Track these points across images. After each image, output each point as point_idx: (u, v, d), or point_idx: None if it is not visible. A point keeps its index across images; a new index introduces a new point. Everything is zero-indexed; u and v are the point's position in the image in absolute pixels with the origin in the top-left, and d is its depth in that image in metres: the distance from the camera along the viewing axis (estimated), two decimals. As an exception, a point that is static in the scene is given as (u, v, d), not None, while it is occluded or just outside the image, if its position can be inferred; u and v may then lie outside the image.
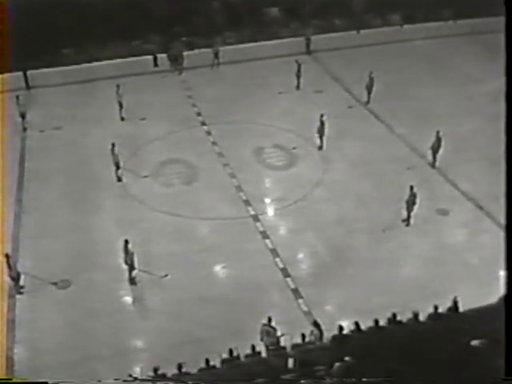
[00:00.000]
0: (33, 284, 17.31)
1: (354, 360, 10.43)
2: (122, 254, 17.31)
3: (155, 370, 12.80)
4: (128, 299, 17.23)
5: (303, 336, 13.88)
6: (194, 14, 32.37)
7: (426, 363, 9.16)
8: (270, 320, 14.45)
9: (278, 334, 14.26)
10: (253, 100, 28.23)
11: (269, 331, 14.27)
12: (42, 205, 21.00)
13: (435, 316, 13.68)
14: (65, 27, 28.18)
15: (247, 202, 20.86)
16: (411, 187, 18.93)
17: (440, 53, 32.35)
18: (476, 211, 20.01)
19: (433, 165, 22.33)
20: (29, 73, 29.82)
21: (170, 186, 22.11)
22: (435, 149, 21.97)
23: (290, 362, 11.72)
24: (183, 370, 12.80)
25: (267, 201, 21.38)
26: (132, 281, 17.43)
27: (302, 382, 10.50)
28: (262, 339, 14.28)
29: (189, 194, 21.58)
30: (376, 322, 13.50)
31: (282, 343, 14.14)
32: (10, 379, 13.73)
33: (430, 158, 22.42)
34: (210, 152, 24.11)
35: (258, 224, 19.82)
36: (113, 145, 21.93)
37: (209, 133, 25.56)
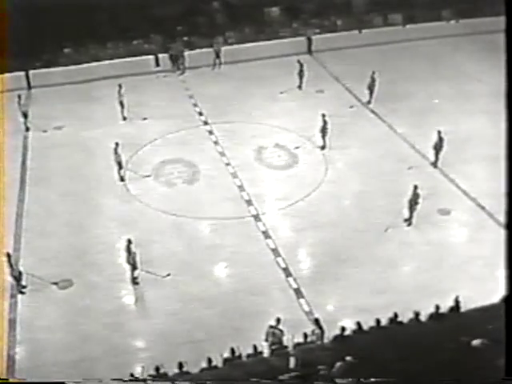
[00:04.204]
0: (34, 284, 17.31)
1: (356, 360, 10.43)
2: (123, 254, 17.33)
3: (157, 369, 12.83)
4: (130, 299, 17.25)
5: (305, 335, 13.90)
6: (195, 14, 32.41)
7: (427, 363, 9.17)
8: (278, 321, 14.44)
9: (285, 336, 14.25)
10: (254, 100, 28.24)
11: (275, 333, 14.27)
12: (43, 204, 21.01)
13: (436, 316, 13.68)
14: (66, 27, 28.19)
15: (249, 202, 20.87)
16: (415, 187, 18.93)
17: (441, 52, 32.31)
18: (477, 210, 20.00)
19: (435, 164, 22.32)
20: (30, 72, 29.90)
21: (172, 186, 22.13)
22: (438, 148, 21.96)
23: (292, 361, 11.73)
24: (184, 369, 12.82)
25: (269, 200, 21.37)
26: (134, 280, 17.45)
27: (303, 382, 10.51)
28: (266, 340, 14.26)
29: (191, 193, 21.59)
30: (378, 321, 13.52)
31: (285, 343, 14.15)
32: (7, 380, 13.75)
33: (431, 157, 22.42)
34: (212, 151, 24.13)
35: (259, 224, 19.83)
36: (116, 144, 21.98)
37: (211, 132, 25.58)
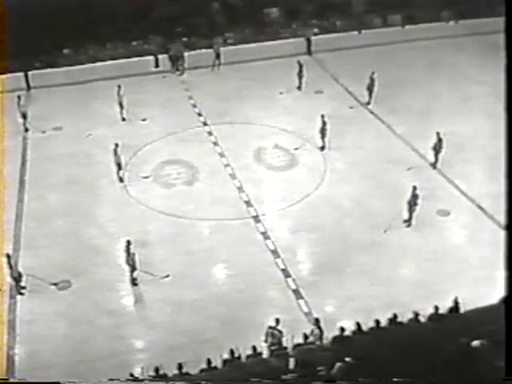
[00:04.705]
0: (33, 284, 17.29)
1: (355, 361, 10.42)
2: (123, 255, 17.33)
3: (156, 369, 12.83)
4: (129, 300, 17.24)
5: (305, 336, 13.90)
6: (195, 15, 32.41)
7: (427, 364, 9.16)
8: (277, 322, 14.44)
9: (284, 336, 14.25)
10: (254, 100, 28.25)
11: (274, 334, 14.26)
12: (42, 205, 21.01)
13: (436, 316, 13.68)
14: (65, 27, 28.18)
15: (248, 203, 20.87)
16: (414, 188, 18.93)
17: (441, 53, 32.31)
18: (477, 211, 19.99)
19: (434, 165, 22.31)
20: (29, 73, 29.91)
21: (171, 187, 22.12)
22: (437, 149, 21.96)
23: (291, 362, 11.73)
24: (184, 370, 12.82)
25: (268, 202, 21.35)
26: (133, 281, 17.45)
27: (303, 382, 10.51)
28: (266, 341, 14.27)
29: (190, 194, 21.59)
30: (377, 322, 13.52)
31: (284, 344, 14.15)
32: (7, 379, 13.76)
33: (430, 158, 22.42)
34: (211, 152, 24.12)
35: (258, 225, 19.82)
36: (116, 145, 21.99)
37: (210, 133, 25.58)
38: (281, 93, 28.84)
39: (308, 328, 14.53)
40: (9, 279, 17.13)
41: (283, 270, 17.80)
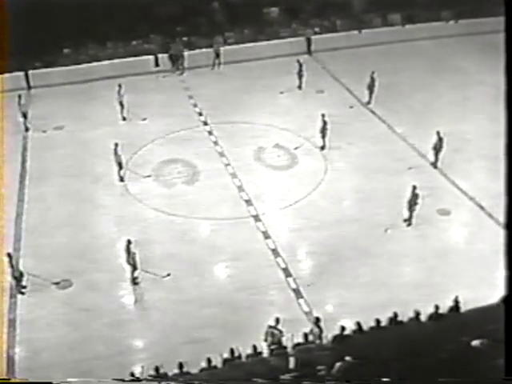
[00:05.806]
0: (34, 284, 17.31)
1: (355, 360, 10.43)
2: (123, 254, 17.33)
3: (156, 369, 12.84)
4: (130, 299, 17.25)
5: (305, 336, 13.90)
6: (195, 14, 32.42)
7: (427, 363, 9.17)
8: (277, 321, 14.45)
9: (283, 336, 14.26)
10: (254, 100, 28.23)
11: (274, 333, 14.27)
12: (43, 205, 21.01)
13: (436, 316, 13.69)
14: (65, 27, 28.21)
15: (248, 202, 20.87)
16: (414, 187, 18.93)
17: (441, 53, 32.33)
18: (477, 210, 20.00)
19: (435, 165, 22.32)
20: (30, 73, 29.92)
21: (172, 186, 22.13)
22: (437, 149, 21.96)
23: (291, 361, 11.73)
24: (184, 369, 12.83)
25: (269, 201, 21.35)
26: (134, 281, 17.46)
27: (303, 382, 10.51)
28: (265, 340, 14.27)
29: (190, 193, 21.59)
30: (377, 321, 13.52)
31: (284, 343, 14.15)
32: (8, 379, 13.76)
33: (431, 157, 22.42)
34: (212, 152, 24.13)
35: (259, 224, 19.83)
36: (116, 144, 22.00)
37: (210, 133, 25.59)
38: (281, 92, 28.86)
39: (308, 327, 14.54)
40: (10, 279, 17.14)
41: (284, 269, 17.81)
